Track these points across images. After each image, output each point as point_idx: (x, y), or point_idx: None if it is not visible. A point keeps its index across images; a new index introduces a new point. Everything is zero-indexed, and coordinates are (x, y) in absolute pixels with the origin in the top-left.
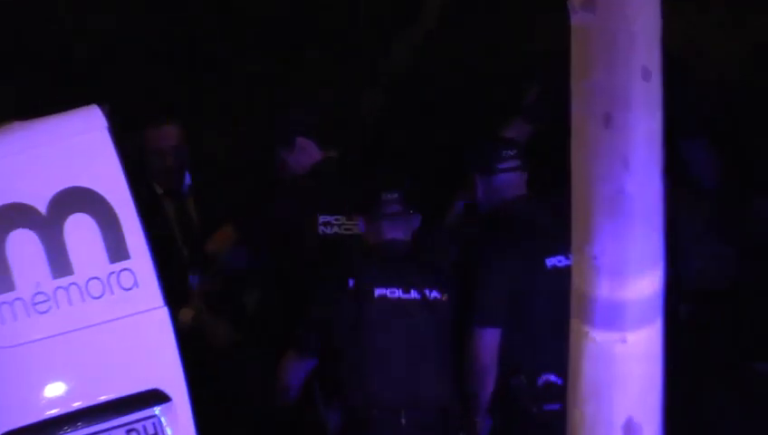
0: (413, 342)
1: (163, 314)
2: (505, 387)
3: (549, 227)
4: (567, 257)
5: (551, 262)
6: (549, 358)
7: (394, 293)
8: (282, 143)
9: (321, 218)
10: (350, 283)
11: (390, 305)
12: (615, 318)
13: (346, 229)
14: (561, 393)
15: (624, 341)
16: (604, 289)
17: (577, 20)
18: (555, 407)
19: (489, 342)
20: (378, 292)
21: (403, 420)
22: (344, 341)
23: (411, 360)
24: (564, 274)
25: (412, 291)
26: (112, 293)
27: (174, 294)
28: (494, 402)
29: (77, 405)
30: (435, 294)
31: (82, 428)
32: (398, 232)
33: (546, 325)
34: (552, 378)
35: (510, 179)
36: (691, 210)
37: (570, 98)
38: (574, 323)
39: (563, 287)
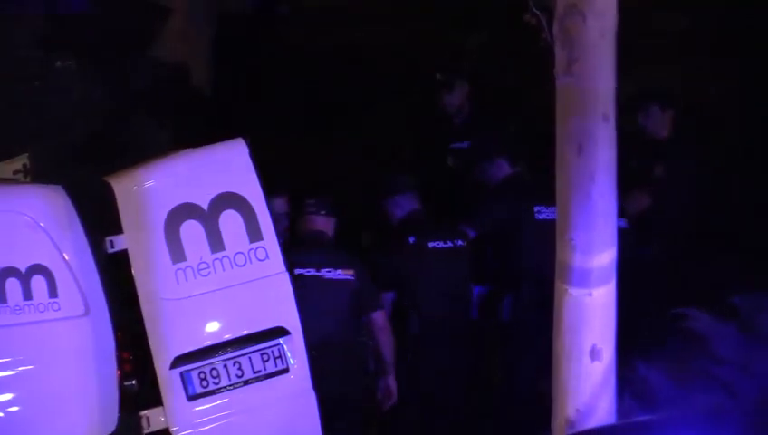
0: None
1: (285, 277)
2: None
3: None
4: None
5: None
6: None
7: None
8: (483, 158)
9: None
10: None
11: None
12: (585, 280)
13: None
14: None
15: (591, 295)
16: (578, 260)
17: (560, 82)
18: None
19: None
20: None
21: None
22: None
23: None
24: None
25: None
26: (251, 262)
27: None
28: None
29: (227, 337)
30: None
31: (231, 352)
32: None
33: None
34: None
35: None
36: None
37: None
38: (558, 283)
39: None
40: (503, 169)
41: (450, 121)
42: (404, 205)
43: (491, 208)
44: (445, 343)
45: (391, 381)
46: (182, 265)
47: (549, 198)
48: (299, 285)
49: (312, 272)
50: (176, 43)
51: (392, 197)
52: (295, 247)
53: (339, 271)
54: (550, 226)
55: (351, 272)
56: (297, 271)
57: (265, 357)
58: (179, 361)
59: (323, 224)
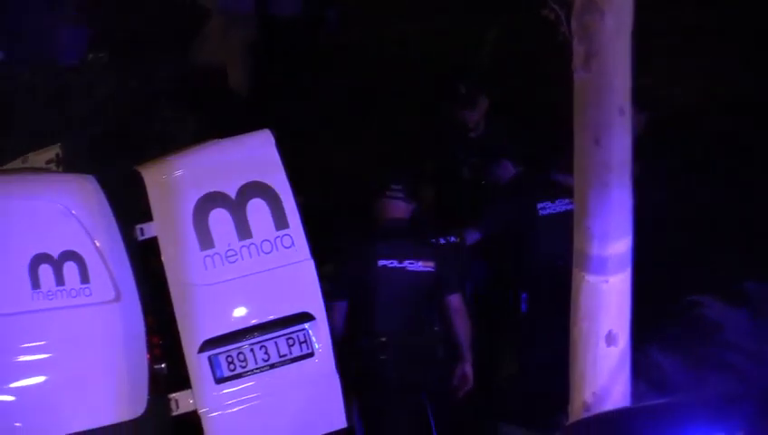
0: None
1: (310, 264)
2: None
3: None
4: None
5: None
6: None
7: None
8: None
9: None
10: None
11: None
12: (601, 267)
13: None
14: None
15: (607, 281)
16: (595, 248)
17: (578, 77)
18: None
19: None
20: None
21: None
22: None
23: None
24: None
25: None
26: (277, 250)
27: None
28: None
29: (254, 322)
30: None
31: (257, 336)
32: None
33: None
34: None
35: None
36: None
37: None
38: (575, 271)
39: None
40: (508, 170)
41: (466, 134)
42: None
43: (497, 210)
44: None
45: (468, 369)
46: (210, 251)
47: (553, 194)
48: (382, 276)
49: (395, 264)
50: (215, 43)
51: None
52: (379, 237)
53: (420, 263)
54: (556, 220)
55: (432, 264)
56: (381, 262)
57: (291, 341)
58: (207, 345)
59: (404, 210)
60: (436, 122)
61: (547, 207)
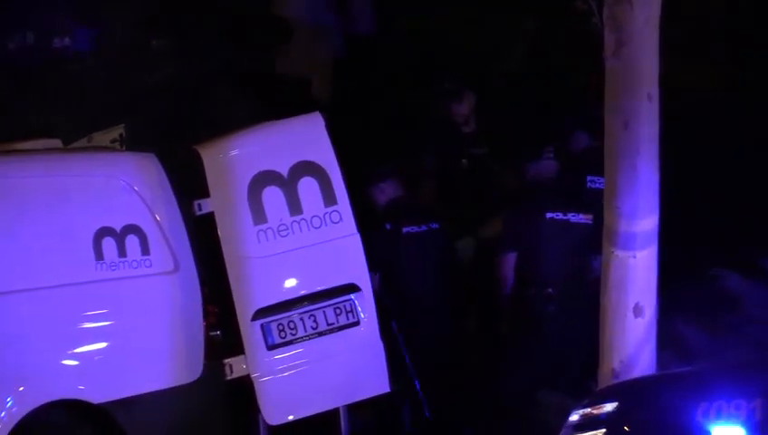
0: None
1: (356, 238)
2: None
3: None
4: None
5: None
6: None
7: None
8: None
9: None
10: None
11: None
12: (629, 243)
13: None
14: None
15: (635, 257)
16: (623, 225)
17: (609, 64)
18: None
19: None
20: None
21: None
22: None
23: None
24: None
25: None
26: (326, 225)
27: None
28: None
29: (303, 292)
30: None
31: (307, 306)
32: None
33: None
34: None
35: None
36: None
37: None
38: (605, 246)
39: None
40: (582, 141)
41: (458, 130)
42: (388, 191)
43: (564, 176)
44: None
45: None
46: (263, 226)
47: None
48: (549, 228)
49: (560, 216)
50: (299, 56)
51: (377, 184)
52: (542, 193)
53: (581, 215)
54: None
55: (591, 216)
56: (548, 215)
57: (338, 311)
58: (260, 313)
59: (556, 168)
60: (429, 118)
61: (596, 181)
